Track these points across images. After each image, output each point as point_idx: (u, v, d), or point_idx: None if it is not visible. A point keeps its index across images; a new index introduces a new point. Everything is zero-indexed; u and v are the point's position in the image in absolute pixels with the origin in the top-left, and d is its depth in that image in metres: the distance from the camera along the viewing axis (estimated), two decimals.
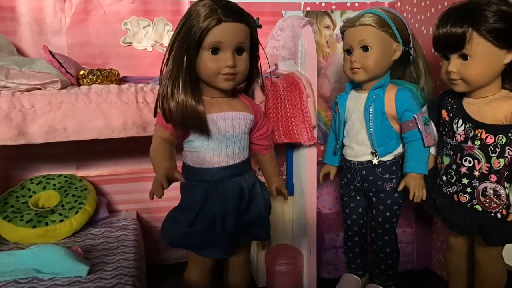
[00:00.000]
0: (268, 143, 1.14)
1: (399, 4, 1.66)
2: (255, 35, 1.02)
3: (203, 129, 0.98)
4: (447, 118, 1.15)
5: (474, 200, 1.09)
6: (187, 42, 0.95)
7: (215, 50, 0.96)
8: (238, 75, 0.99)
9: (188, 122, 0.97)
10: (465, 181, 1.10)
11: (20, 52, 1.44)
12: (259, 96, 1.18)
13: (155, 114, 1.05)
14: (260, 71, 1.10)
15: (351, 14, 1.64)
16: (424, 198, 1.21)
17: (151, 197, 0.91)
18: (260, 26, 1.03)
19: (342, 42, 1.32)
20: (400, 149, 1.28)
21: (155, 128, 1.04)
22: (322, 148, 1.64)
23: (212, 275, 1.11)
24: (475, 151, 1.08)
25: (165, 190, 0.93)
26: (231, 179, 1.03)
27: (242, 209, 1.04)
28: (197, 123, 0.97)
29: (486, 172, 1.07)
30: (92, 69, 1.29)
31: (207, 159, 1.02)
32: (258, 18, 1.02)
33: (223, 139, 1.01)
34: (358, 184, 1.33)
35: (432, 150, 1.23)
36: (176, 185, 1.07)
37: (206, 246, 1.02)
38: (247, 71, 1.02)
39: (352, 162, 1.32)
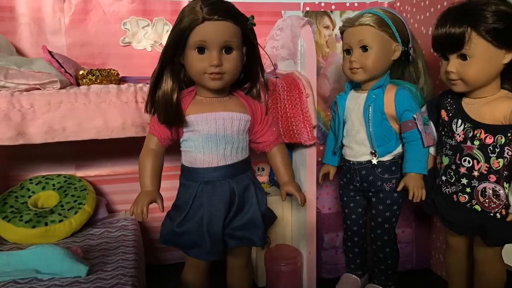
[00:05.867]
0: (270, 139, 1.09)
1: (398, 4, 1.66)
2: (248, 34, 1.00)
3: (179, 124, 1.00)
4: (446, 118, 1.15)
5: (473, 200, 1.09)
6: (175, 41, 0.96)
7: (201, 49, 0.95)
8: (226, 74, 0.98)
9: (170, 115, 0.98)
10: (464, 181, 1.10)
11: (19, 52, 1.44)
12: (264, 96, 1.17)
13: (145, 110, 1.04)
14: (262, 70, 1.08)
15: (350, 14, 1.64)
16: (423, 198, 1.21)
17: (131, 213, 0.95)
18: (254, 25, 1.00)
19: (341, 42, 1.32)
20: (399, 149, 1.28)
21: (147, 136, 1.04)
22: (321, 148, 1.64)
23: (208, 275, 1.11)
24: (475, 151, 1.08)
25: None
26: (221, 180, 1.02)
27: (232, 212, 1.03)
28: (176, 117, 0.98)
29: (485, 172, 1.07)
30: (91, 69, 1.28)
31: (198, 159, 1.02)
32: (252, 17, 0.99)
33: (214, 139, 1.00)
34: (357, 184, 1.33)
35: (432, 150, 1.23)
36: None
37: (193, 247, 1.02)
38: (237, 70, 1.01)
39: (351, 162, 1.32)
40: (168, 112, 0.98)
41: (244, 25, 0.98)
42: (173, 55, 0.98)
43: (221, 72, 0.96)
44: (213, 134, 1.00)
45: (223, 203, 1.01)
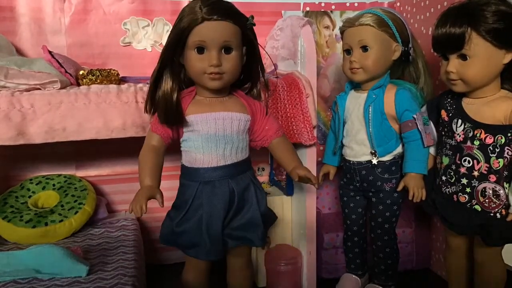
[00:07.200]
0: (268, 133, 1.08)
1: (398, 4, 1.66)
2: (248, 34, 1.00)
3: (179, 124, 1.00)
4: (446, 118, 1.15)
5: (473, 200, 1.09)
6: (174, 41, 0.96)
7: (200, 49, 0.96)
8: (225, 74, 0.98)
9: (169, 115, 0.98)
10: (464, 181, 1.10)
11: (19, 52, 1.44)
12: (264, 96, 1.17)
13: (145, 110, 1.04)
14: (262, 70, 1.08)
15: (350, 14, 1.64)
16: (423, 198, 1.21)
17: (130, 211, 0.91)
18: (253, 25, 1.00)
19: (341, 42, 1.32)
20: (399, 149, 1.28)
21: (147, 134, 1.04)
22: (321, 148, 1.64)
23: (208, 275, 1.11)
24: (475, 151, 1.08)
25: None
26: (221, 180, 1.02)
27: (231, 212, 1.03)
28: (176, 117, 0.98)
29: (485, 172, 1.07)
30: (91, 69, 1.28)
31: (198, 159, 1.02)
32: (252, 17, 1.00)
33: (213, 139, 1.00)
34: (357, 184, 1.33)
35: (432, 150, 1.23)
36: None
37: (192, 246, 1.02)
38: (237, 70, 1.00)
39: (351, 162, 1.32)
40: (168, 112, 0.98)
41: (244, 25, 0.98)
42: (173, 55, 0.98)
43: (221, 72, 0.97)
44: (212, 134, 1.00)
45: (222, 203, 1.01)
